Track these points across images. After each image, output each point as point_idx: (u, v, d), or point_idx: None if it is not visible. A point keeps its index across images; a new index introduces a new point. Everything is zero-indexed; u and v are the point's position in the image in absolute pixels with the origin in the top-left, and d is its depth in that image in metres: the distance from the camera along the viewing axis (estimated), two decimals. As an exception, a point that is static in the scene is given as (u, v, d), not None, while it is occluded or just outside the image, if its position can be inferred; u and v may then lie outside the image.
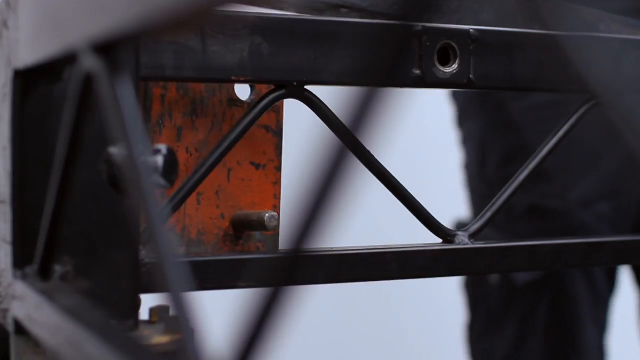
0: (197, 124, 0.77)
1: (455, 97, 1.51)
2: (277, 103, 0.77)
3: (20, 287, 0.59)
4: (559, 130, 0.85)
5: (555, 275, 1.40)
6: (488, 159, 1.44)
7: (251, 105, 0.76)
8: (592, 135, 1.25)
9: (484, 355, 1.48)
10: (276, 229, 0.76)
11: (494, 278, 1.43)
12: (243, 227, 0.77)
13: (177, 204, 0.73)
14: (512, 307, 1.43)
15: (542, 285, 1.41)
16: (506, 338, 1.43)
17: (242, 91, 0.79)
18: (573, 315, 1.42)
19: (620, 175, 1.38)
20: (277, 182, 0.80)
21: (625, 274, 1.51)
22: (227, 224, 0.78)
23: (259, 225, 0.76)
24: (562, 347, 1.43)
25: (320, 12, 0.78)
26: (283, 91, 0.75)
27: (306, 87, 0.76)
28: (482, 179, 1.46)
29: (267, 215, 0.76)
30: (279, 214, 0.80)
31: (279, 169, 0.80)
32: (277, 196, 0.80)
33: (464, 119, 1.50)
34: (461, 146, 1.52)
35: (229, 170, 0.79)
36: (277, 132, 0.80)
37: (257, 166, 0.80)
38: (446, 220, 0.84)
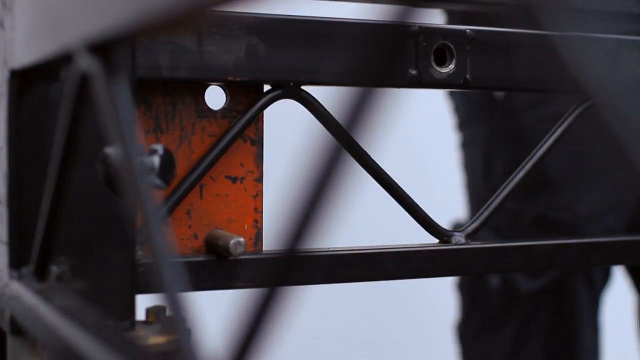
0: (163, 141, 0.73)
1: (460, 99, 1.50)
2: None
3: (17, 288, 0.58)
4: (555, 131, 0.86)
5: (558, 284, 1.41)
6: (494, 166, 1.44)
7: (224, 113, 0.74)
8: (600, 149, 1.25)
9: (477, 355, 1.48)
10: (242, 254, 0.71)
11: (495, 281, 1.44)
12: (214, 250, 0.73)
13: (172, 206, 0.73)
14: (513, 311, 1.43)
15: (546, 294, 1.41)
16: (504, 340, 1.44)
17: (214, 100, 0.74)
18: (574, 322, 1.42)
19: (628, 188, 1.38)
20: (258, 195, 0.76)
21: (624, 278, 1.51)
22: (201, 243, 0.74)
23: (225, 250, 0.71)
24: (561, 352, 1.43)
25: None
26: (279, 91, 0.75)
27: (302, 87, 0.76)
28: (486, 185, 1.45)
29: (232, 241, 0.71)
30: (261, 228, 0.76)
31: (259, 180, 0.76)
32: (258, 210, 0.76)
33: (468, 123, 1.49)
34: (461, 149, 1.52)
35: (201, 187, 0.74)
36: (257, 141, 0.76)
37: (234, 180, 0.75)
38: (443, 221, 0.84)
